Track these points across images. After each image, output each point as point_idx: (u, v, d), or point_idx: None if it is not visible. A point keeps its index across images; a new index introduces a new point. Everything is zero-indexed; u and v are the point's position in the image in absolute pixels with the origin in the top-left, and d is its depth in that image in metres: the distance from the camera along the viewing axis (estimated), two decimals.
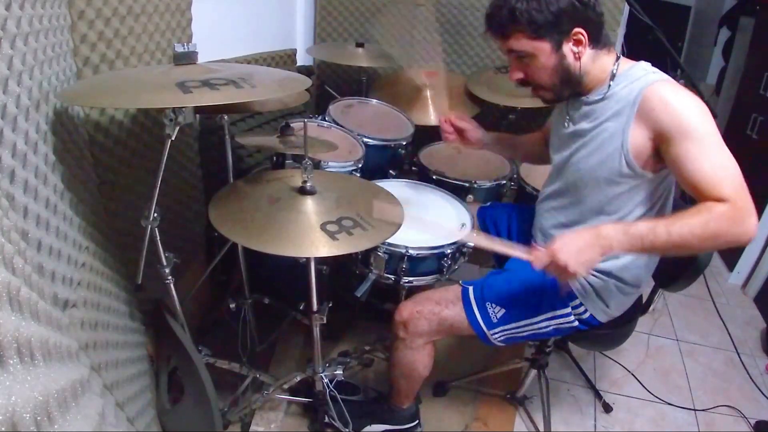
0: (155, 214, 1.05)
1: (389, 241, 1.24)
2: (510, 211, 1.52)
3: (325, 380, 1.34)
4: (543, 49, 1.03)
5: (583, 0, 1.00)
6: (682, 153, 0.95)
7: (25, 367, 0.49)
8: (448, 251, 1.33)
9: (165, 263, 1.14)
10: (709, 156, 0.93)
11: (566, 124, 1.18)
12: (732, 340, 1.98)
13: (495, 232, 1.50)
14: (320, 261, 1.46)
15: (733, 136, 2.73)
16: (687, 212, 0.92)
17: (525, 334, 1.23)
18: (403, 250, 1.29)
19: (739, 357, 1.96)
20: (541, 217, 1.30)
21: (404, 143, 1.79)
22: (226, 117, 1.38)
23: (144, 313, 1.30)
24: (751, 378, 1.90)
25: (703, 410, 1.76)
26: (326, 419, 1.40)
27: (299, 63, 2.28)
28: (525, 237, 1.41)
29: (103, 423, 0.66)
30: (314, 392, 1.37)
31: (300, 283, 1.26)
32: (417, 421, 1.49)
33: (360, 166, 1.58)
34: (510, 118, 2.18)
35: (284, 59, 2.15)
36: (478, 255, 1.51)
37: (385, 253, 1.31)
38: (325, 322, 1.24)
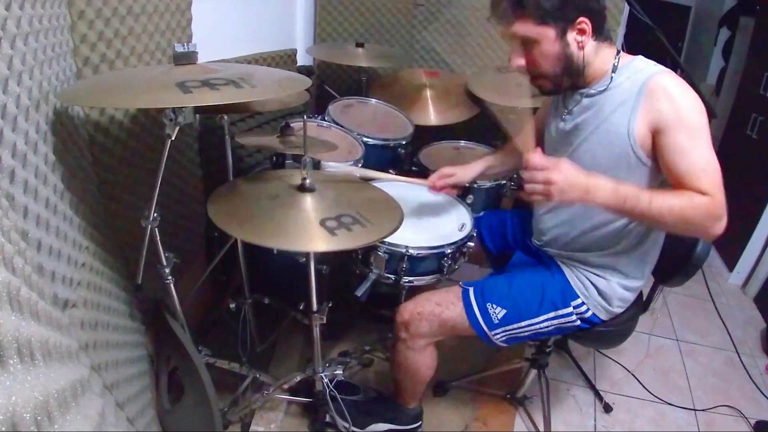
0: (155, 214, 1.05)
1: (389, 240, 1.24)
2: (504, 217, 1.51)
3: (325, 380, 1.34)
4: (547, 35, 1.03)
5: None
6: (675, 142, 0.98)
7: (25, 367, 0.49)
8: (448, 251, 1.33)
9: (165, 263, 1.14)
10: (699, 149, 0.97)
11: (565, 119, 1.18)
12: (732, 340, 1.98)
13: (490, 240, 1.50)
14: (320, 260, 1.46)
15: (733, 136, 2.73)
16: (671, 192, 0.98)
17: (527, 334, 1.23)
18: (404, 250, 1.29)
19: (739, 357, 1.96)
20: (541, 218, 1.30)
21: (404, 143, 1.79)
22: (226, 117, 1.38)
23: (144, 313, 1.30)
24: (751, 378, 1.90)
25: (703, 410, 1.76)
26: (326, 419, 1.40)
27: (299, 63, 2.28)
28: (523, 242, 1.41)
29: (103, 423, 0.66)
30: (314, 392, 1.37)
31: (300, 283, 1.26)
32: (420, 423, 1.49)
33: (360, 165, 1.58)
34: (510, 118, 2.18)
35: (284, 59, 2.15)
36: (478, 255, 1.51)
37: (385, 252, 1.31)
38: (325, 322, 1.24)
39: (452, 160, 1.81)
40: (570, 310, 1.21)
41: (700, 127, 0.97)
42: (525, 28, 1.04)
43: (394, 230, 1.05)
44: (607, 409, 1.72)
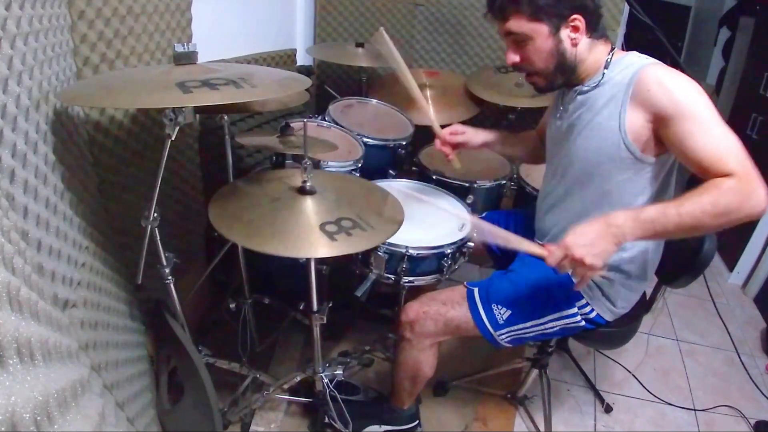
0: (155, 214, 1.05)
1: (389, 240, 1.24)
2: (506, 217, 1.51)
3: (325, 380, 1.34)
4: (541, 31, 1.04)
5: None
6: (682, 132, 0.95)
7: (25, 367, 0.49)
8: (448, 251, 1.33)
9: (165, 263, 1.14)
10: (709, 132, 0.93)
11: (561, 117, 1.19)
12: (732, 340, 1.98)
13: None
14: (320, 261, 1.46)
15: None
16: (695, 191, 0.90)
17: (532, 334, 1.23)
18: (404, 250, 1.29)
19: (739, 357, 1.96)
20: (543, 217, 1.30)
21: (404, 143, 1.79)
22: (226, 117, 1.38)
23: (144, 313, 1.30)
24: (751, 378, 1.90)
25: (703, 410, 1.76)
26: (326, 419, 1.40)
27: (299, 63, 2.28)
28: None
29: (103, 423, 0.66)
30: (314, 392, 1.37)
31: (300, 283, 1.26)
32: (417, 422, 1.49)
33: (360, 166, 1.58)
34: (510, 118, 2.18)
35: (284, 59, 2.15)
36: (478, 255, 1.51)
37: (385, 252, 1.31)
38: (325, 322, 1.24)
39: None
40: (575, 310, 1.20)
41: (703, 110, 0.94)
42: (519, 24, 1.05)
43: (393, 233, 1.06)
44: (608, 409, 1.72)
